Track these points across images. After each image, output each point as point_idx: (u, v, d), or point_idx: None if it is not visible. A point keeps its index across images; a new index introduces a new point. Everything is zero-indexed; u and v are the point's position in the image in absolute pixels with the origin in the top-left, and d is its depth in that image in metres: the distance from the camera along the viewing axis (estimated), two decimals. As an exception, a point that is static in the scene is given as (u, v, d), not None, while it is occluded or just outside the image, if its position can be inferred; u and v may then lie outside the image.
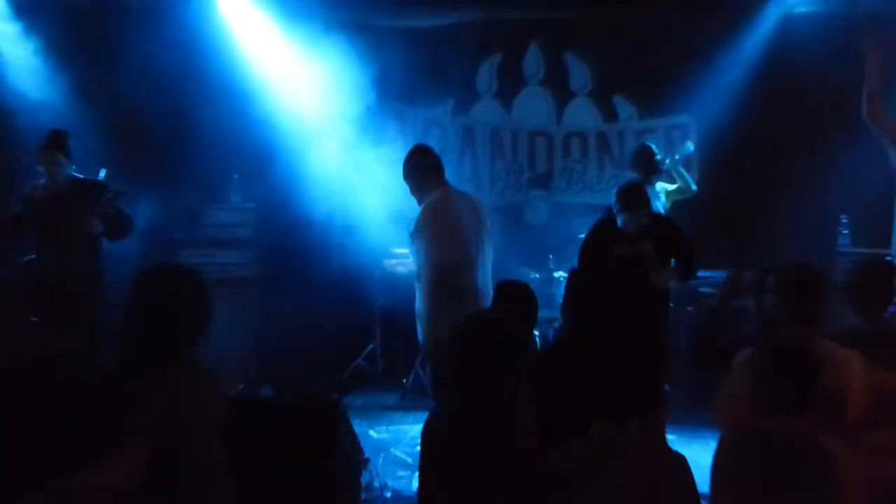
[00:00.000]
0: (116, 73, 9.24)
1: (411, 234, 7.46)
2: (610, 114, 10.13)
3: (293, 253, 9.34)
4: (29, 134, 8.34)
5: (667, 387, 8.12)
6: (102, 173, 7.97)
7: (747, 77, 9.58)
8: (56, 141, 8.00)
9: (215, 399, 4.04)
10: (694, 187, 8.52)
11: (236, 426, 5.10)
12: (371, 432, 7.76)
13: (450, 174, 8.45)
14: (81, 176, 8.02)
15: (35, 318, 5.85)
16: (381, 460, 7.17)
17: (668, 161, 8.53)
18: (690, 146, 8.85)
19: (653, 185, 8.38)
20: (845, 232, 8.92)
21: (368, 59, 9.32)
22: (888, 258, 7.28)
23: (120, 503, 3.26)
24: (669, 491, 3.86)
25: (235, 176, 9.41)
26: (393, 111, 9.74)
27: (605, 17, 9.85)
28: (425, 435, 4.25)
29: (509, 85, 10.17)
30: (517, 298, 5.68)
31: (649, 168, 8.30)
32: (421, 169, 7.35)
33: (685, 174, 8.52)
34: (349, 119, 9.17)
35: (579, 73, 10.10)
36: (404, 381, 9.43)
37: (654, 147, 8.54)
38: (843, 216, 8.96)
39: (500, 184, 10.16)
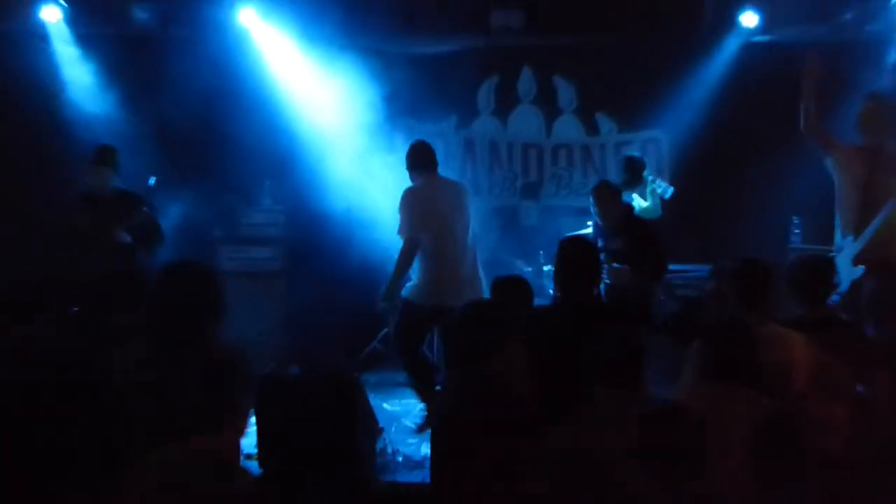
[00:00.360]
0: (163, 91, 9.23)
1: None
2: (592, 128, 10.29)
3: (317, 248, 9.43)
4: (87, 143, 8.39)
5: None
6: (152, 180, 8.16)
7: (712, 96, 9.74)
8: (103, 157, 7.99)
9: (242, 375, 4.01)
10: (660, 212, 8.57)
11: (269, 399, 5.49)
12: (385, 405, 7.96)
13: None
14: (125, 188, 8.00)
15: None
16: (393, 429, 7.30)
17: (650, 179, 8.59)
18: (670, 190, 8.63)
19: (629, 193, 8.53)
20: (797, 231, 9.14)
21: (382, 80, 9.49)
22: (830, 254, 7.34)
23: (227, 467, 3.63)
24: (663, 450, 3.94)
25: (267, 181, 9.55)
26: (403, 125, 9.77)
27: (588, 44, 9.90)
28: (436, 403, 4.39)
29: (505, 103, 10.32)
30: (513, 292, 5.84)
31: (634, 175, 8.45)
32: (413, 158, 7.62)
33: (657, 199, 8.63)
34: (364, 131, 9.34)
35: (566, 93, 10.27)
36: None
37: (644, 161, 8.71)
38: (794, 217, 9.17)
39: (497, 189, 10.31)
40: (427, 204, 7.33)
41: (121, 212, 7.87)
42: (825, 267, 5.76)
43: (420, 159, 7.63)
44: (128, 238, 7.81)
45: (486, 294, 6.96)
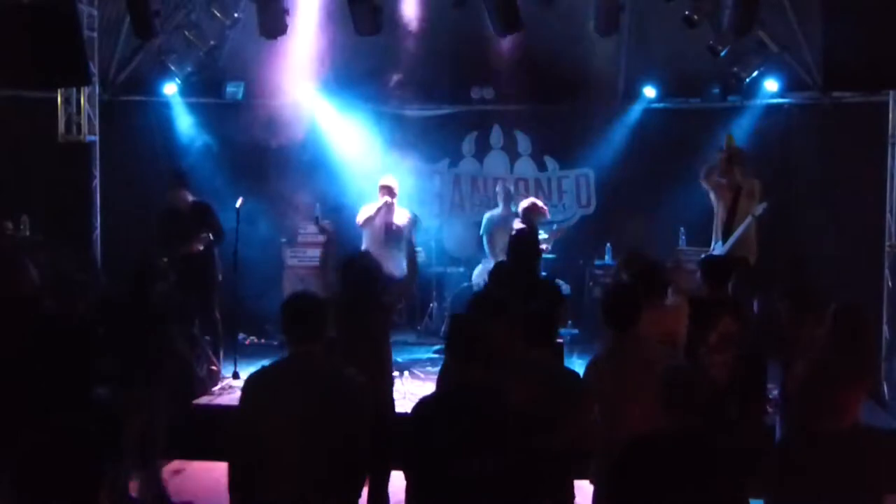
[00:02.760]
0: (244, 142, 9.34)
1: None
2: (542, 166, 10.25)
3: (350, 249, 8.90)
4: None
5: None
6: (238, 202, 7.96)
7: (624, 144, 9.73)
8: (179, 180, 7.90)
9: None
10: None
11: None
12: (398, 359, 7.54)
13: (444, 205, 9.59)
14: (197, 200, 7.90)
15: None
16: (403, 377, 7.42)
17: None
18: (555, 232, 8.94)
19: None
20: (683, 237, 9.21)
21: (396, 133, 9.78)
22: (707, 253, 7.69)
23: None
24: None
25: (317, 203, 9.16)
26: (412, 166, 9.46)
27: (539, 110, 10.04)
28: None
29: (482, 150, 10.28)
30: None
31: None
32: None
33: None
34: (382, 168, 9.18)
35: (524, 142, 10.23)
36: (418, 326, 9.76)
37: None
38: (681, 227, 9.17)
39: (476, 209, 10.02)
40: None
41: (196, 217, 7.86)
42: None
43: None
44: (200, 246, 7.81)
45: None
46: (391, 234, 8.16)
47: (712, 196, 7.98)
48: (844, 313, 4.35)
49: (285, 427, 3.41)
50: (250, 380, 3.71)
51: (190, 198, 7.95)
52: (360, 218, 8.24)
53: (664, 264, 6.06)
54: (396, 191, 8.35)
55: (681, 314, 5.22)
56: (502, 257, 8.43)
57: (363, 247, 8.01)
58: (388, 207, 8.23)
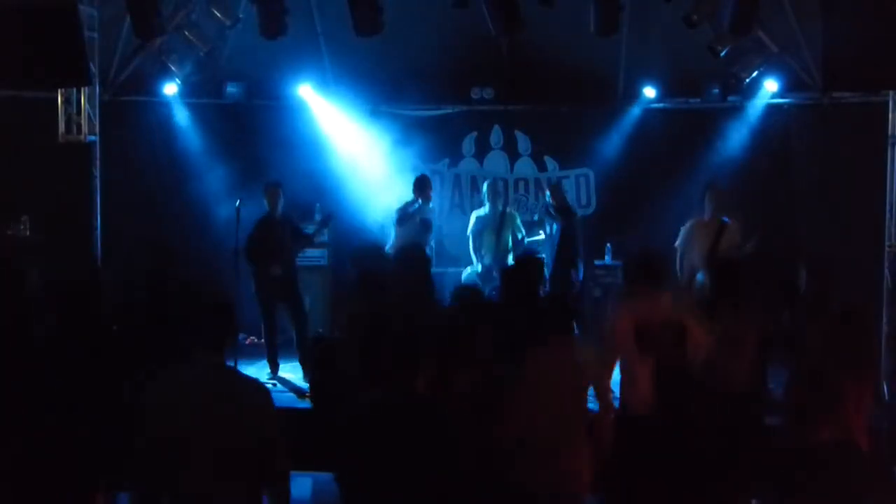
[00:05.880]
0: (247, 143, 9.52)
1: None
2: (542, 166, 10.21)
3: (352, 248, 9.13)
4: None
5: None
6: (238, 202, 7.85)
7: (624, 144, 9.73)
8: (275, 190, 7.98)
9: None
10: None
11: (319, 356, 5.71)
12: None
13: (444, 205, 9.59)
14: (287, 212, 8.07)
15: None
16: None
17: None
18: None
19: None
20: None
21: (398, 134, 9.70)
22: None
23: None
24: None
25: (317, 204, 9.44)
26: (411, 165, 9.67)
27: (539, 110, 10.01)
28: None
29: (482, 150, 10.23)
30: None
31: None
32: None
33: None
34: (384, 168, 9.51)
35: (524, 143, 10.18)
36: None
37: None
38: (681, 227, 8.18)
39: (475, 208, 9.44)
40: None
41: (286, 225, 8.09)
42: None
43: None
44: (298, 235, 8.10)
45: None
46: (425, 230, 8.41)
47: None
48: (850, 315, 4.36)
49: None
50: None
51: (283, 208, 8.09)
52: (396, 216, 8.46)
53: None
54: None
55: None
56: (488, 258, 8.74)
57: (395, 243, 8.10)
58: (425, 204, 8.54)
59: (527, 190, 10.20)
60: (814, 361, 4.29)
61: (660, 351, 4.19)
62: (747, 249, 7.51)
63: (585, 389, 4.29)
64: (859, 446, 3.43)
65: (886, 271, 7.93)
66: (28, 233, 8.13)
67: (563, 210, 8.55)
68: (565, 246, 8.37)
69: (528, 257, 5.99)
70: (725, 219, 7.70)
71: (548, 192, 8.94)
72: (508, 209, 9.10)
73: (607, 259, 9.43)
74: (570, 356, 4.25)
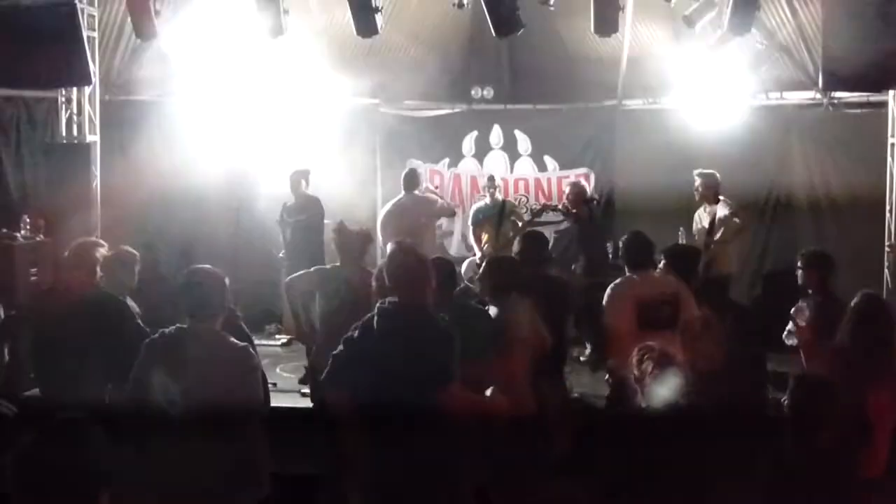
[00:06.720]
0: (248, 140, 9.36)
1: None
2: (542, 166, 10.26)
3: None
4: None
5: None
6: (237, 202, 8.21)
7: (625, 143, 9.82)
8: (301, 175, 8.22)
9: None
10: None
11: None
12: None
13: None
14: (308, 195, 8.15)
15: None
16: None
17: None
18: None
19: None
20: (683, 237, 8.36)
21: (396, 132, 9.95)
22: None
23: None
24: None
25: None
26: (412, 165, 9.67)
27: (538, 109, 10.12)
28: None
29: (482, 149, 10.28)
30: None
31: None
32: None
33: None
34: (382, 168, 9.73)
35: (523, 142, 10.24)
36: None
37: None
38: (681, 227, 8.53)
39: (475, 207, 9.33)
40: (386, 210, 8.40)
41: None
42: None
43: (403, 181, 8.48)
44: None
45: None
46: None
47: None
48: (867, 304, 4.34)
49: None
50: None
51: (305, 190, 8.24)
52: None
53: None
54: None
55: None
56: (488, 249, 8.64)
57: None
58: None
59: (527, 190, 10.21)
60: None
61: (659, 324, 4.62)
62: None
63: None
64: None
65: (886, 271, 7.93)
66: (28, 233, 8.11)
67: (583, 204, 8.58)
68: (594, 228, 8.55)
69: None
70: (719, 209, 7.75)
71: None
72: (508, 200, 9.13)
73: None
74: None
